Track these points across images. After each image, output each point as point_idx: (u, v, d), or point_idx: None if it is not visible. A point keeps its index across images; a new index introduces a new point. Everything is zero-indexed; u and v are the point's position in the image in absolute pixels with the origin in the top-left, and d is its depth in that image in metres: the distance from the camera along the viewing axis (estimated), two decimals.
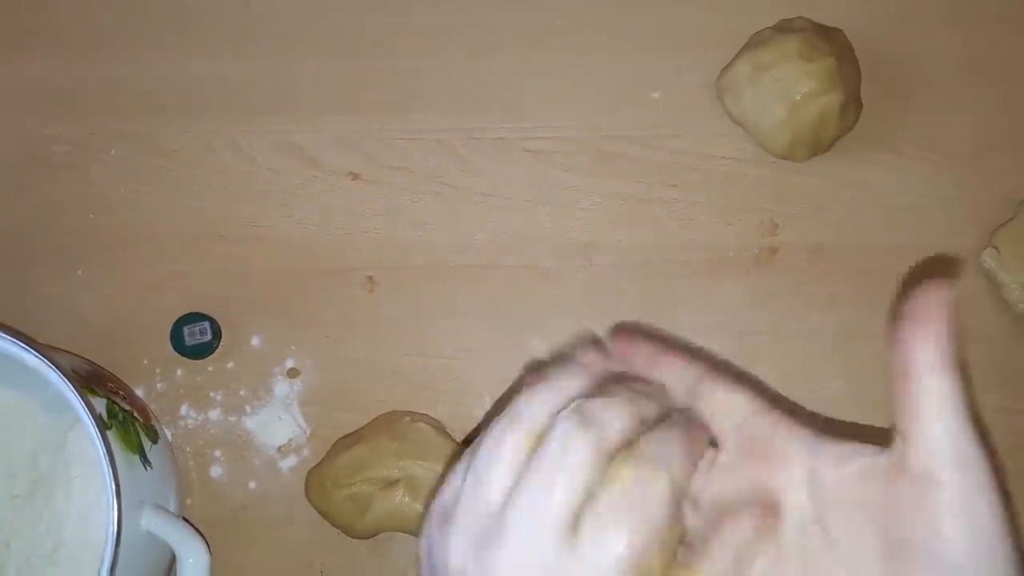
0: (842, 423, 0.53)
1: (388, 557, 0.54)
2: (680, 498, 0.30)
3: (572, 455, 0.29)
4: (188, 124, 0.59)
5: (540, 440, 0.30)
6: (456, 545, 0.30)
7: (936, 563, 0.27)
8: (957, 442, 0.27)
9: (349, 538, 0.53)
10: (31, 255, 0.58)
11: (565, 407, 0.31)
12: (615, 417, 0.30)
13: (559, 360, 0.34)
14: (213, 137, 0.59)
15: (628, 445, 0.30)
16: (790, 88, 0.54)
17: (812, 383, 0.55)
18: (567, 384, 0.32)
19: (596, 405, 0.31)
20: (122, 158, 0.59)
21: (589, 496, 0.29)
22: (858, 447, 0.31)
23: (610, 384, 0.33)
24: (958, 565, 0.27)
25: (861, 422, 0.54)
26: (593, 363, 0.34)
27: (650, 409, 0.32)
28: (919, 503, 0.28)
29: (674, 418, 0.32)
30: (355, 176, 0.58)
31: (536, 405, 0.31)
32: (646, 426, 0.31)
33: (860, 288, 0.56)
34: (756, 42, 0.56)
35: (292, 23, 0.60)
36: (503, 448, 0.31)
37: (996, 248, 0.54)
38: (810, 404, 0.54)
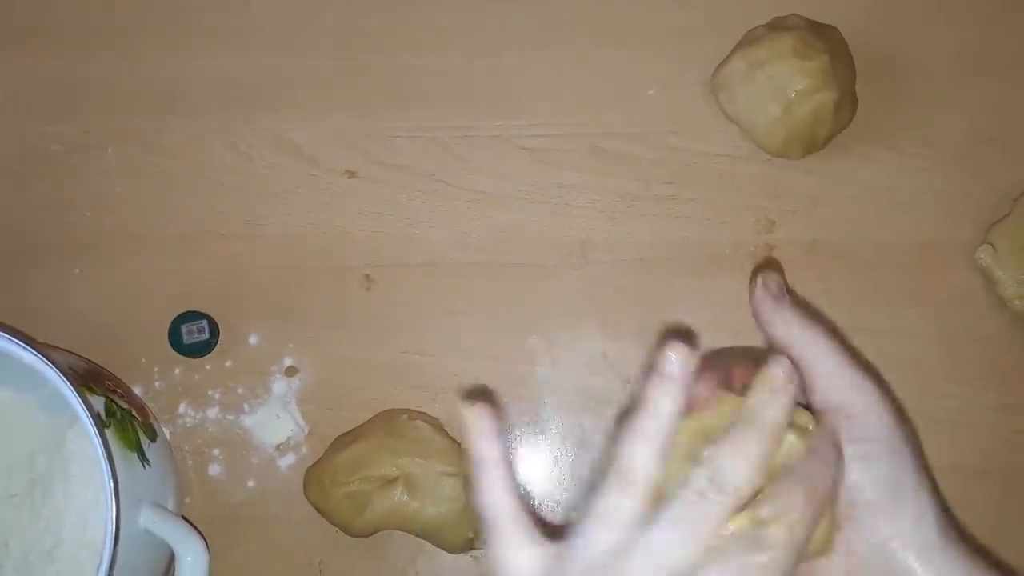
0: None
1: (386, 555, 0.54)
2: (800, 547, 0.31)
3: (697, 517, 0.30)
4: (185, 122, 0.59)
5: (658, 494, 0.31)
6: None
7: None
8: (843, 370, 0.34)
9: (347, 536, 0.53)
10: (29, 253, 0.58)
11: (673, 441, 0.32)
12: (745, 472, 0.31)
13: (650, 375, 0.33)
14: (210, 135, 0.59)
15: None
16: (784, 86, 0.54)
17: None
18: (664, 417, 0.32)
19: (725, 464, 0.31)
20: (120, 156, 0.59)
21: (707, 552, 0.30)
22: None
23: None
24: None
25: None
26: (682, 374, 0.33)
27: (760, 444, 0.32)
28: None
29: (803, 469, 0.32)
30: (352, 174, 0.58)
31: (639, 455, 0.32)
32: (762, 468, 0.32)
33: (856, 284, 0.56)
34: (750, 40, 0.56)
35: (290, 22, 0.60)
36: (612, 509, 0.32)
37: (992, 245, 0.55)
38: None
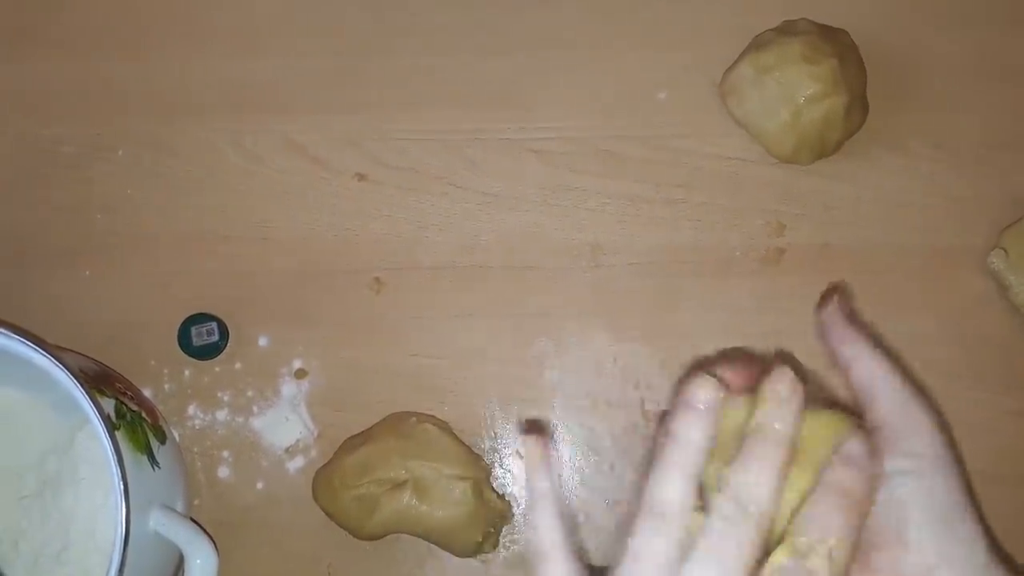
0: None
1: (395, 559, 0.54)
2: (841, 568, 0.30)
3: (728, 544, 0.30)
4: (195, 124, 0.59)
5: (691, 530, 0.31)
6: None
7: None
8: (897, 394, 0.34)
9: (356, 540, 0.53)
10: (38, 256, 0.58)
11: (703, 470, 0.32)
12: (763, 489, 0.31)
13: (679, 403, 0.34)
14: (220, 138, 0.59)
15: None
16: (793, 91, 0.53)
17: (819, 385, 0.55)
18: (693, 449, 0.32)
19: (741, 482, 0.31)
20: (129, 158, 0.59)
21: None
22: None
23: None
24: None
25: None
26: (711, 399, 0.34)
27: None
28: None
29: (833, 478, 0.32)
30: (362, 177, 0.58)
31: (670, 489, 0.32)
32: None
33: (867, 288, 0.56)
34: (759, 44, 0.55)
35: (299, 23, 0.60)
36: (648, 547, 0.32)
37: (1004, 249, 0.54)
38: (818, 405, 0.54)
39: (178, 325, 0.56)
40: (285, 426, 0.56)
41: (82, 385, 0.45)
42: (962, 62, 0.58)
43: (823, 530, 0.30)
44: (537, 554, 0.35)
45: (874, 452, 0.33)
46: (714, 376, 0.34)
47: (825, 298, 0.38)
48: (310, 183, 0.58)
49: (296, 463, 0.55)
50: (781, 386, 0.33)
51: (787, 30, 0.55)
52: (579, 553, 0.35)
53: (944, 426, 0.35)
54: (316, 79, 0.59)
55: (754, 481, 0.31)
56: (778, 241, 0.56)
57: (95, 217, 0.58)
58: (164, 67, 0.60)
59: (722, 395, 0.33)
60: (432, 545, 0.53)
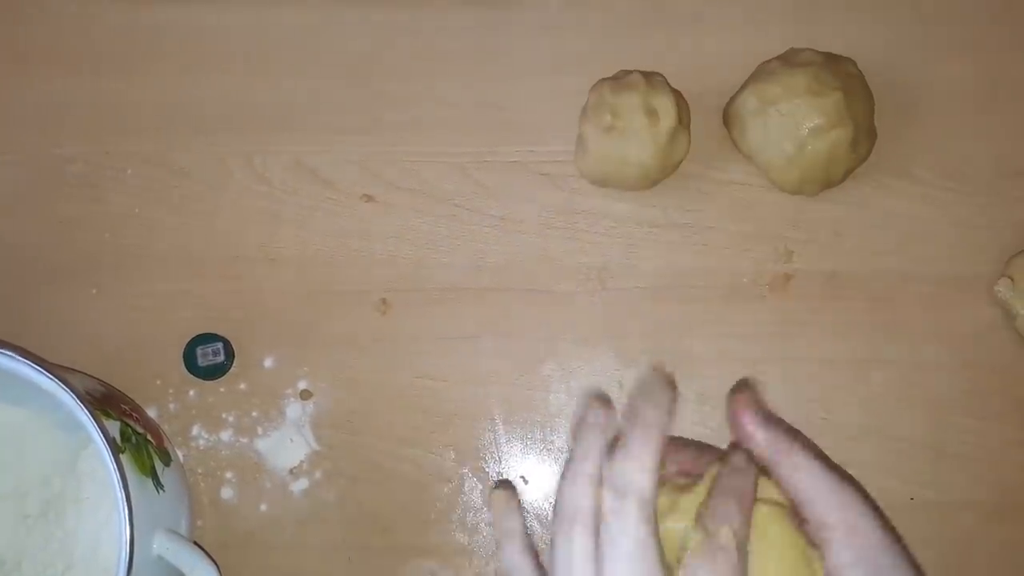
0: None
1: None
2: (744, 541, 0.35)
3: (623, 532, 0.34)
4: (203, 145, 0.59)
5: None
6: None
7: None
8: (830, 492, 0.36)
9: (360, 562, 0.53)
10: (45, 273, 0.58)
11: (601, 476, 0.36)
12: (638, 472, 0.35)
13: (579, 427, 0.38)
14: (228, 158, 0.59)
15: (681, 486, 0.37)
16: (797, 123, 0.53)
17: (826, 410, 0.55)
18: (591, 458, 0.36)
19: (618, 470, 0.35)
20: (137, 178, 0.59)
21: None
22: None
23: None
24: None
25: (876, 448, 0.54)
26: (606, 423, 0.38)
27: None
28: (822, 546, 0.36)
29: (726, 483, 0.36)
30: (369, 198, 0.58)
31: (575, 495, 0.36)
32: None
33: (875, 315, 0.56)
34: (762, 74, 0.55)
35: (307, 45, 0.60)
36: (571, 553, 0.35)
37: (1010, 278, 0.54)
38: (824, 431, 0.54)
39: (184, 345, 0.56)
40: (289, 447, 0.55)
41: (87, 408, 0.45)
42: (970, 90, 0.58)
43: (726, 517, 0.35)
44: None
45: (751, 460, 0.37)
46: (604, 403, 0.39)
47: (734, 397, 0.39)
48: (318, 204, 0.58)
49: (300, 484, 0.55)
50: (655, 388, 0.38)
51: (792, 60, 0.55)
52: None
53: (876, 515, 0.36)
54: (326, 101, 0.59)
55: (631, 467, 0.35)
56: (786, 267, 0.56)
57: (103, 236, 0.58)
58: (174, 87, 0.60)
59: (609, 418, 0.38)
60: (436, 570, 0.53)
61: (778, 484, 0.37)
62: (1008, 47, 0.59)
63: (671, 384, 0.38)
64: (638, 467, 0.35)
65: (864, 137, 0.54)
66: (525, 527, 0.40)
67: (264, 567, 0.54)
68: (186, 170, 0.59)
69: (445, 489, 0.55)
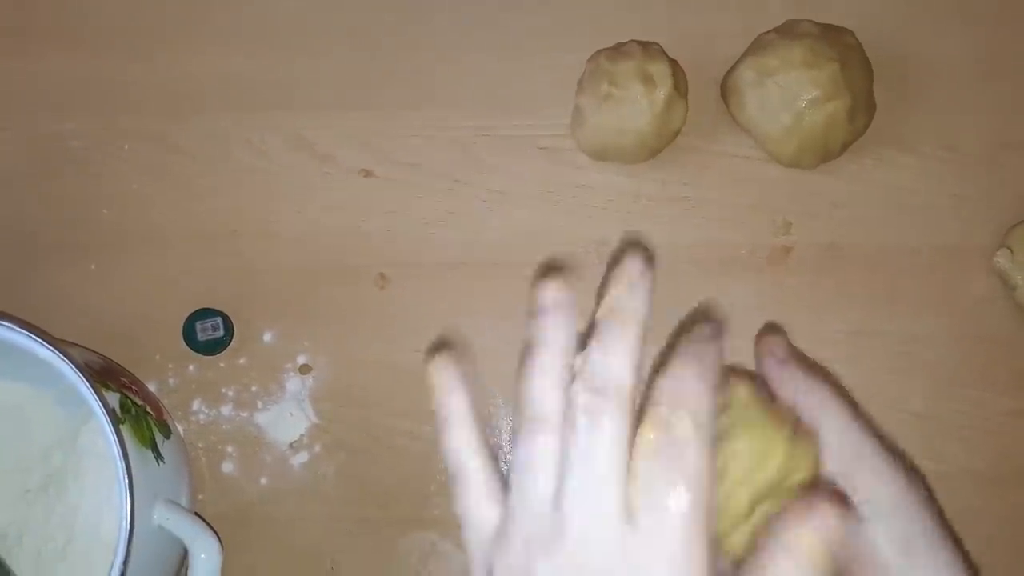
0: None
1: (398, 556, 0.54)
2: (711, 430, 0.29)
3: (598, 432, 0.29)
4: (201, 120, 0.59)
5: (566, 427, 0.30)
6: (517, 556, 0.30)
7: None
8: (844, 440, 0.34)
9: (360, 535, 0.53)
10: (44, 250, 0.58)
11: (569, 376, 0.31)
12: (618, 366, 0.30)
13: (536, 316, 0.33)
14: (226, 133, 0.59)
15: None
16: (794, 95, 0.53)
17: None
18: (557, 348, 0.31)
19: (596, 364, 0.30)
20: (135, 154, 0.59)
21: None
22: None
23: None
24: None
25: (874, 419, 0.54)
26: (565, 308, 0.32)
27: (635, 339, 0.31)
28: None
29: (682, 349, 0.31)
30: (368, 173, 0.58)
31: (543, 391, 0.31)
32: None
33: (874, 287, 0.56)
34: (760, 46, 0.55)
35: (306, 20, 0.60)
36: (534, 455, 0.30)
37: (1009, 248, 0.54)
38: None
39: (183, 320, 0.56)
40: (289, 421, 0.56)
41: (87, 379, 0.45)
42: (969, 62, 0.58)
43: (679, 398, 0.29)
44: (452, 475, 0.33)
45: (721, 327, 0.32)
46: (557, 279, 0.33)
47: (760, 339, 0.36)
48: (317, 179, 0.58)
49: (300, 458, 0.55)
50: (632, 270, 0.32)
51: (789, 31, 0.55)
52: (501, 476, 0.33)
53: (904, 466, 0.34)
54: (324, 76, 0.59)
55: (606, 363, 0.30)
56: (784, 240, 0.56)
57: (102, 212, 0.58)
58: (172, 63, 0.60)
59: (570, 293, 0.32)
60: (436, 542, 0.53)
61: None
62: (1008, 18, 0.58)
63: (649, 264, 0.33)
64: (618, 361, 0.30)
65: (862, 109, 0.54)
66: (470, 408, 0.34)
67: (264, 540, 0.55)
68: (184, 146, 0.59)
69: (444, 462, 0.55)
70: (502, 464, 0.34)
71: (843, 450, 0.34)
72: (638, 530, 0.28)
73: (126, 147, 0.59)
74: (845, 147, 0.55)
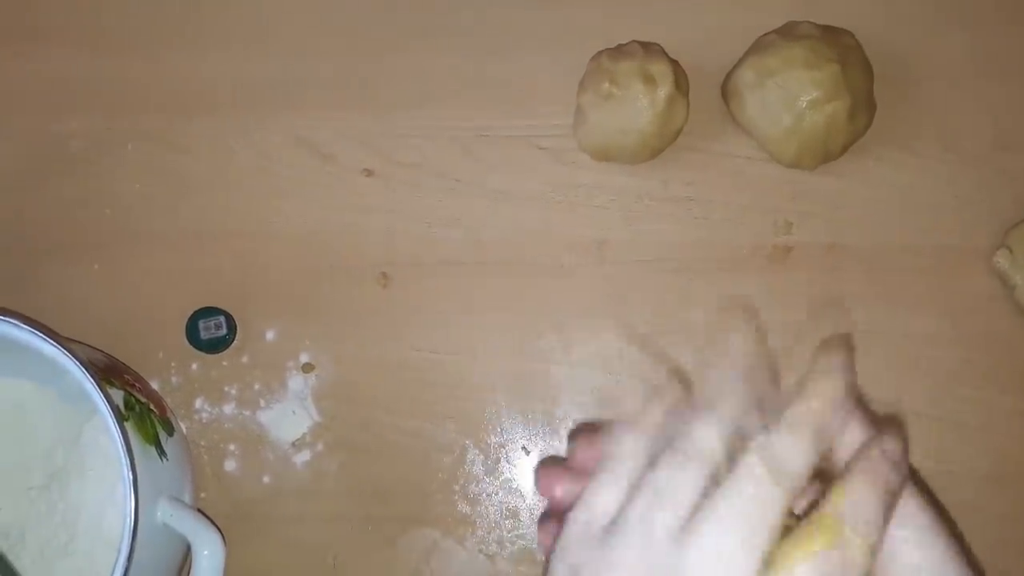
0: None
1: (400, 552, 0.54)
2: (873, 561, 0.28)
3: (760, 501, 0.28)
4: (203, 120, 0.59)
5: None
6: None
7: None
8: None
9: (362, 532, 0.53)
10: (47, 249, 0.58)
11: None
12: (803, 459, 0.29)
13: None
14: (228, 133, 0.59)
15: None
16: (795, 96, 0.53)
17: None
18: (738, 408, 0.31)
19: (783, 444, 0.30)
20: (138, 154, 0.59)
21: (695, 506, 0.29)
22: None
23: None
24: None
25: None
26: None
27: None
28: None
29: (867, 467, 0.30)
30: (369, 172, 0.58)
31: (708, 431, 0.31)
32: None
33: (874, 287, 0.56)
34: (760, 47, 0.55)
35: (307, 20, 0.60)
36: (677, 482, 0.30)
37: (1009, 248, 0.54)
38: None
39: (186, 318, 0.56)
40: (292, 420, 0.56)
41: (92, 375, 0.45)
42: (969, 62, 0.58)
43: (867, 522, 0.28)
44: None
45: (906, 448, 0.31)
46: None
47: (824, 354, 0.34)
48: (318, 179, 0.58)
49: (302, 456, 0.55)
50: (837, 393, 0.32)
51: (790, 32, 0.55)
52: None
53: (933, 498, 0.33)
54: (324, 76, 0.59)
55: (800, 448, 0.29)
56: (785, 239, 0.57)
57: (104, 211, 0.59)
58: (174, 63, 0.60)
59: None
60: (438, 539, 0.54)
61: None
62: (1008, 19, 0.59)
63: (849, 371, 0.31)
64: (798, 446, 0.29)
65: (862, 109, 0.55)
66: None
67: (267, 537, 0.55)
68: (187, 145, 0.59)
69: (446, 460, 0.55)
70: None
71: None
72: (685, 555, 0.28)
73: (129, 147, 0.59)
74: (845, 148, 0.56)
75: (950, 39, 0.58)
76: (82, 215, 0.59)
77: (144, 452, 0.46)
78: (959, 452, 0.55)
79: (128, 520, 0.43)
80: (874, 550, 0.28)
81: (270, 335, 0.57)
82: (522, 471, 0.55)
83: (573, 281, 0.57)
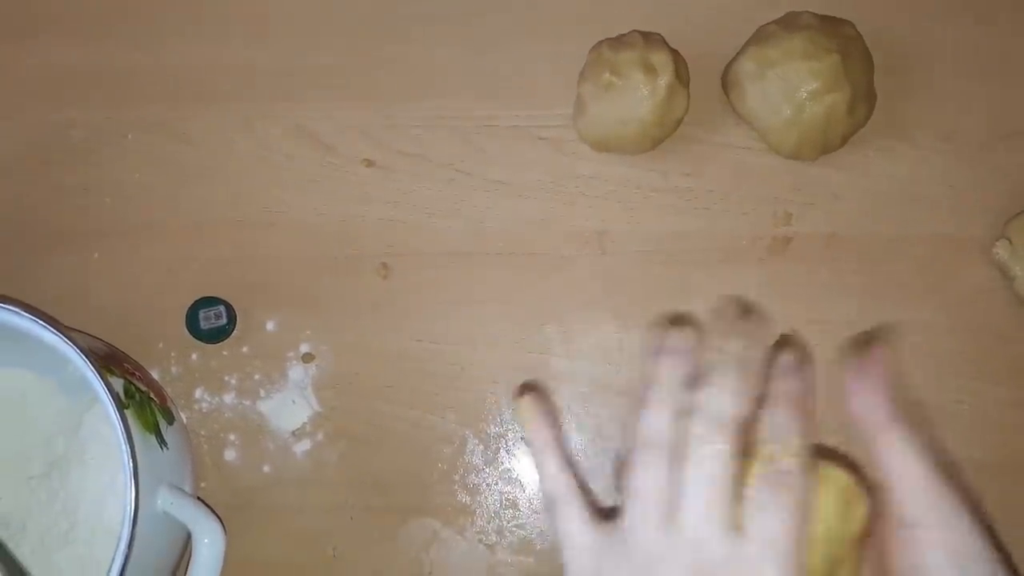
0: None
1: (400, 542, 0.54)
2: (808, 460, 0.34)
3: (713, 459, 0.34)
4: (204, 110, 0.59)
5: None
6: (638, 570, 0.35)
7: None
8: (925, 485, 0.34)
9: (362, 522, 0.53)
10: (48, 239, 0.58)
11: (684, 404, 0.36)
12: (730, 403, 0.35)
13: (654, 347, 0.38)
14: (229, 123, 0.59)
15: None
16: (795, 87, 0.53)
17: (824, 372, 0.55)
18: (673, 386, 0.37)
19: (712, 400, 0.35)
20: (139, 143, 0.59)
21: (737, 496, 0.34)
22: None
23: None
24: None
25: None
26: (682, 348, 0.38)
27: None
28: (905, 542, 0.34)
29: (779, 390, 0.36)
30: (370, 163, 0.58)
31: (660, 422, 0.36)
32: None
33: (874, 277, 0.56)
34: (761, 38, 0.55)
35: (308, 10, 0.60)
36: (650, 480, 0.35)
37: (1008, 239, 0.54)
38: (821, 394, 0.54)
39: (186, 308, 0.56)
40: (292, 409, 0.56)
41: (92, 363, 0.45)
42: (969, 53, 0.58)
43: (784, 435, 0.34)
44: (551, 500, 0.38)
45: (804, 359, 0.38)
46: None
47: (857, 356, 0.37)
48: (319, 169, 0.58)
49: (302, 446, 0.55)
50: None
51: (790, 23, 0.55)
52: (589, 497, 0.38)
53: (977, 517, 0.34)
54: (325, 66, 0.59)
55: (725, 399, 0.35)
56: (785, 230, 0.57)
57: (104, 201, 0.59)
58: (175, 53, 0.60)
59: (689, 342, 0.38)
60: (438, 529, 0.54)
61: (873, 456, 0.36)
62: (1007, 10, 0.59)
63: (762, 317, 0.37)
64: (730, 395, 0.35)
65: (862, 100, 0.55)
66: (560, 436, 0.39)
67: (267, 527, 0.55)
68: (187, 136, 0.59)
69: (446, 450, 0.55)
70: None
71: (919, 498, 0.35)
72: (747, 542, 0.33)
73: (129, 136, 0.59)
74: (845, 138, 0.56)
75: (951, 30, 0.58)
76: (82, 204, 0.59)
77: (144, 441, 0.46)
78: (956, 442, 0.54)
79: (128, 509, 0.44)
80: (800, 450, 0.34)
81: (270, 325, 0.57)
82: (522, 461, 0.55)
83: (573, 271, 0.57)
